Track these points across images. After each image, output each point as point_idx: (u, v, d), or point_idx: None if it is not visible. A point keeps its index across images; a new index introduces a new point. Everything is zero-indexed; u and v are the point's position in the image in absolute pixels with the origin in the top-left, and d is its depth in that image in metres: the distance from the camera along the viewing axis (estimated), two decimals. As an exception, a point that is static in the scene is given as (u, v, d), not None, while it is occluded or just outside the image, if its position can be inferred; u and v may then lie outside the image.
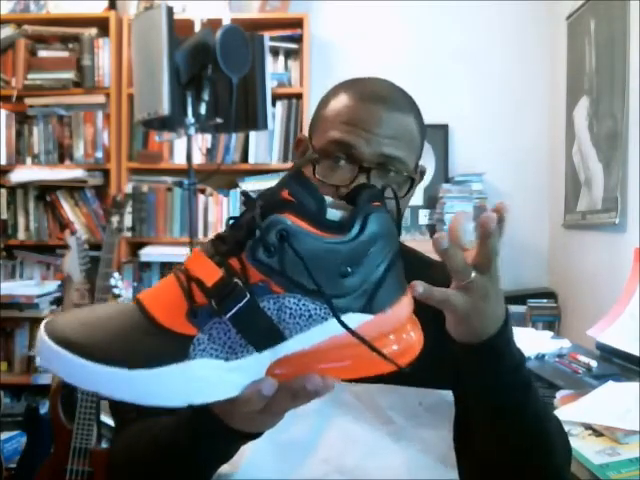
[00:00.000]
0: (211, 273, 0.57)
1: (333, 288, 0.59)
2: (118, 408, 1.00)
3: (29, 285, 3.12)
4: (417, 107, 0.97)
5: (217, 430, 0.68)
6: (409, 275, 0.73)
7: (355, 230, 0.60)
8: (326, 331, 0.59)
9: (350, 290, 0.59)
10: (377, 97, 0.91)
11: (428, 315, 0.76)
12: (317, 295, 0.58)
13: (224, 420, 0.66)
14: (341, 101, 0.92)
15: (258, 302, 0.57)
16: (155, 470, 0.81)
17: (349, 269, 0.59)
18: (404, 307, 0.64)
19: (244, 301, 0.57)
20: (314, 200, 0.59)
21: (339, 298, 0.59)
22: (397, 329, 0.62)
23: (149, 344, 0.57)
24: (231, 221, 0.61)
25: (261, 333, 0.58)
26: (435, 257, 1.08)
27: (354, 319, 0.59)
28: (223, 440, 0.71)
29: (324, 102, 0.96)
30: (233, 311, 0.56)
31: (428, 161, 3.27)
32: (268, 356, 0.59)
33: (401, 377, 0.63)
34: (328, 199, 0.62)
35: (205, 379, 0.57)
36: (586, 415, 1.41)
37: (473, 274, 0.72)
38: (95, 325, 0.58)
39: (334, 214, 0.61)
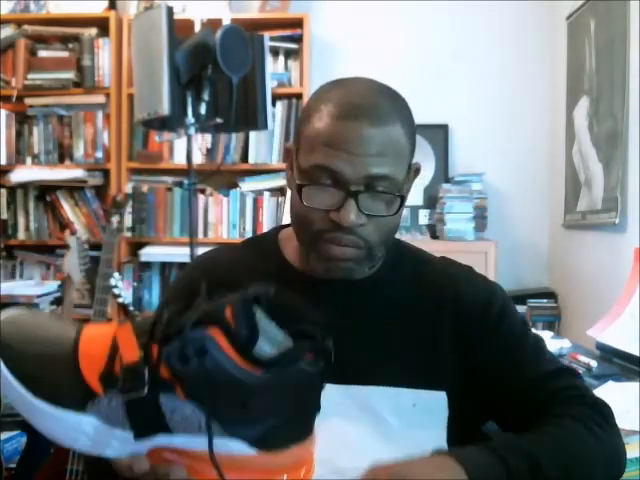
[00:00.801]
0: (131, 352, 0.62)
1: (230, 413, 0.61)
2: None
3: (29, 285, 3.11)
4: (404, 107, 0.91)
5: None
6: (408, 273, 0.72)
7: (271, 372, 0.61)
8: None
9: (246, 421, 0.62)
10: (358, 111, 0.85)
11: (426, 314, 0.76)
12: (211, 414, 0.61)
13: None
14: (322, 118, 0.87)
15: (158, 396, 0.62)
16: None
17: (250, 402, 0.61)
18: (300, 451, 0.65)
19: (141, 393, 0.61)
20: (250, 329, 0.62)
21: (234, 424, 0.61)
22: (291, 471, 0.65)
23: (62, 381, 0.64)
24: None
25: (147, 424, 0.63)
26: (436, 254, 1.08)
27: (237, 447, 0.62)
28: None
29: (306, 115, 0.90)
30: (127, 397, 0.62)
31: (428, 161, 3.27)
32: (147, 444, 0.64)
33: (396, 378, 0.62)
34: (277, 333, 0.64)
35: (91, 434, 0.64)
36: (586, 415, 1.40)
37: None
38: (35, 343, 0.65)
39: (264, 348, 0.62)
